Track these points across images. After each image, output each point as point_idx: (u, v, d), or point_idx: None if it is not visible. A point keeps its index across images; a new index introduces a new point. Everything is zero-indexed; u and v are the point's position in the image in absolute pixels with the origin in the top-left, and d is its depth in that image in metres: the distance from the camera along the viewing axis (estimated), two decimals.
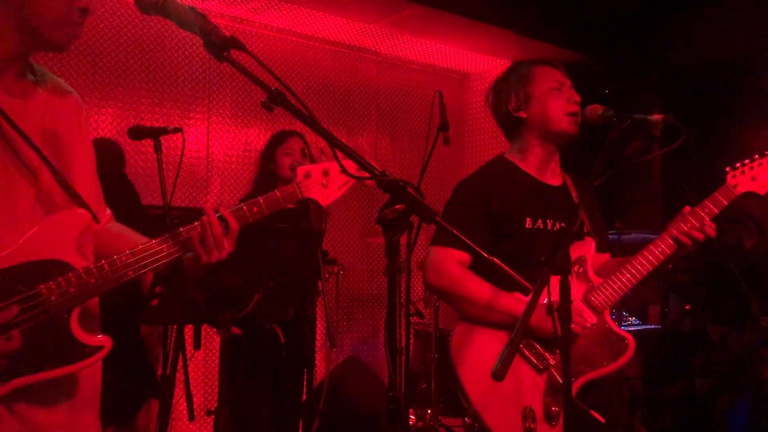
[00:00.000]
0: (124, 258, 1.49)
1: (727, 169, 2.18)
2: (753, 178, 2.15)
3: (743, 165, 2.17)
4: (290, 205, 1.77)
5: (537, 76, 2.30)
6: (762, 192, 2.17)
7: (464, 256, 2.14)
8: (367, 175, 1.39)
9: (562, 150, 2.35)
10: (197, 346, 2.95)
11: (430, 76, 5.92)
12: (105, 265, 1.47)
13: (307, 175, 1.75)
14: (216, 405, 2.99)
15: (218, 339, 2.91)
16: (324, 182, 1.76)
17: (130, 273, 1.51)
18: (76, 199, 1.53)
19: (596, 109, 2.07)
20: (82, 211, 1.51)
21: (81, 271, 1.46)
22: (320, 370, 4.63)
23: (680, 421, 3.52)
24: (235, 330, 2.78)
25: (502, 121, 2.38)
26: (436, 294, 2.28)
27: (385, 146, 5.68)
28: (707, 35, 5.38)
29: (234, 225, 1.63)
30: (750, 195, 2.19)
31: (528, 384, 2.03)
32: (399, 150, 5.71)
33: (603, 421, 1.93)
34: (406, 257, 3.96)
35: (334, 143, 1.40)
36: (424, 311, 4.63)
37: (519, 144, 2.34)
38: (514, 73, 2.36)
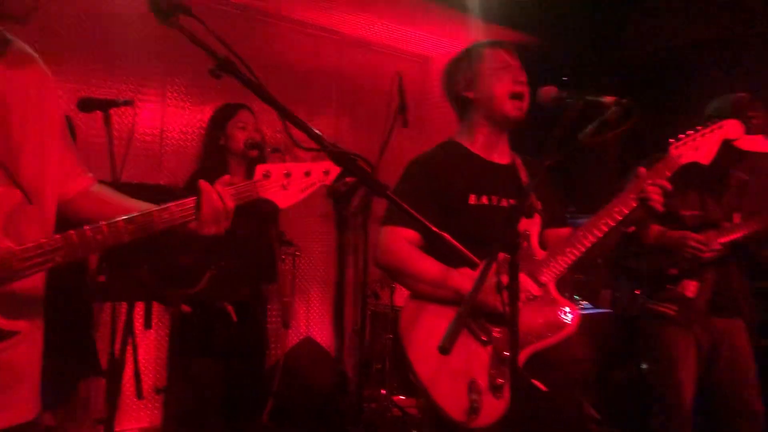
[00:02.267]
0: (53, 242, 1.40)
1: (671, 140, 2.21)
2: (696, 149, 2.19)
3: (687, 136, 2.20)
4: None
5: (485, 56, 2.33)
6: (705, 162, 2.20)
7: (413, 235, 2.17)
8: (317, 147, 1.37)
9: (512, 132, 2.37)
10: (148, 325, 2.91)
11: (392, 58, 5.88)
12: (45, 245, 1.39)
13: (266, 175, 1.68)
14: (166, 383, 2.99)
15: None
16: (284, 183, 1.69)
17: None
18: (12, 178, 1.44)
19: (550, 91, 2.08)
20: (12, 191, 1.42)
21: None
22: (276, 352, 4.60)
23: (629, 403, 3.60)
24: (185, 308, 2.74)
25: (453, 101, 2.42)
26: (387, 272, 2.30)
27: (345, 127, 5.64)
28: (665, 23, 5.46)
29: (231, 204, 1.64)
30: (694, 165, 2.21)
31: (473, 357, 2.05)
32: (360, 131, 5.67)
33: (545, 389, 1.97)
34: (364, 238, 3.97)
35: (284, 115, 1.38)
36: (380, 292, 4.64)
37: (467, 124, 2.37)
38: (464, 54, 2.40)
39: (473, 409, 1.97)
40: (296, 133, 1.47)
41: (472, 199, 2.22)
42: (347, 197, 1.37)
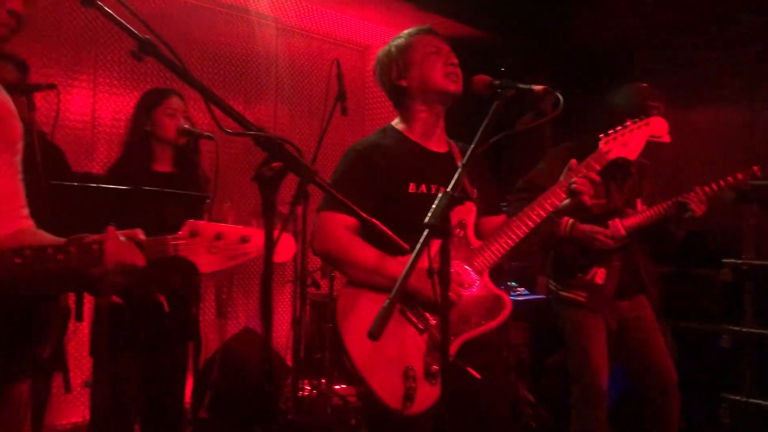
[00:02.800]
0: None
1: (601, 135, 2.29)
2: (624, 144, 2.27)
3: (615, 132, 2.28)
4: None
5: (415, 44, 2.34)
6: (632, 157, 2.31)
7: (351, 221, 2.14)
8: (243, 131, 1.35)
9: (448, 115, 2.39)
10: (79, 317, 2.82)
11: (331, 46, 5.85)
12: None
13: (194, 233, 1.50)
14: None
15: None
16: (212, 247, 1.51)
17: None
18: None
19: (483, 79, 2.09)
20: None
21: None
22: (215, 343, 4.54)
23: (563, 386, 3.70)
24: (116, 299, 2.66)
25: (388, 92, 2.42)
26: (324, 259, 2.28)
27: (284, 116, 5.58)
28: (603, 15, 5.58)
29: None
30: (621, 159, 2.31)
31: (410, 345, 2.07)
32: (299, 120, 5.63)
33: (479, 377, 1.99)
34: (302, 227, 3.94)
35: (209, 97, 1.35)
36: (321, 282, 4.63)
37: (405, 112, 2.38)
38: (394, 44, 2.40)
39: (408, 396, 1.99)
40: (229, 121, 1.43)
41: (412, 188, 2.23)
42: (274, 183, 1.34)
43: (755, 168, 3.16)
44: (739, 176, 3.14)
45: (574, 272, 3.30)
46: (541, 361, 4.77)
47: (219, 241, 1.51)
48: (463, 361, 2.04)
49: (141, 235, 1.50)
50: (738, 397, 3.74)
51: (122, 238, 1.46)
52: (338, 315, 2.13)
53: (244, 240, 1.53)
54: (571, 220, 3.19)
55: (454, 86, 2.28)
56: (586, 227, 3.17)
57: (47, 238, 1.60)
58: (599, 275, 3.23)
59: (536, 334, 4.88)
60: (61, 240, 1.50)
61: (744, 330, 3.74)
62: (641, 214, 3.23)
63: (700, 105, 5.28)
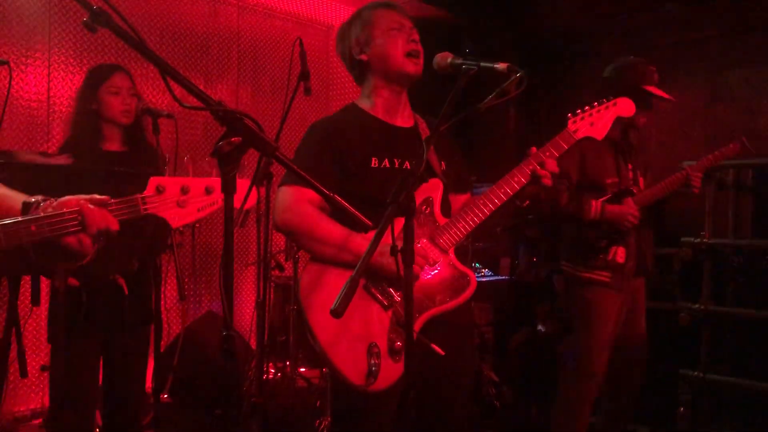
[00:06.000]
0: None
1: (569, 114, 2.29)
2: (591, 124, 2.27)
3: (583, 111, 2.28)
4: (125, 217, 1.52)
5: (377, 18, 2.30)
6: (599, 137, 2.29)
7: (315, 196, 2.08)
8: (201, 105, 1.31)
9: (410, 91, 2.37)
10: (35, 302, 2.75)
11: (294, 25, 5.77)
12: None
13: (160, 189, 1.53)
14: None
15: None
16: (180, 200, 1.55)
17: None
18: None
19: (446, 57, 2.08)
20: None
21: None
22: (177, 326, 4.48)
23: (526, 365, 3.75)
24: (72, 281, 2.60)
25: (348, 65, 2.38)
26: (286, 234, 2.23)
27: (246, 96, 5.51)
28: (558, 5, 5.62)
29: None
30: (588, 139, 2.32)
31: (374, 321, 2.05)
32: (261, 100, 5.56)
33: (443, 353, 1.99)
34: (265, 208, 3.89)
35: (165, 70, 1.31)
36: (284, 264, 4.59)
37: (366, 88, 2.35)
38: (356, 17, 2.36)
39: (371, 373, 1.98)
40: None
41: (374, 163, 2.20)
42: (234, 158, 1.31)
43: (743, 138, 3.28)
44: (732, 146, 3.27)
45: (597, 253, 3.32)
46: (504, 342, 4.83)
47: (185, 194, 1.55)
48: (428, 337, 2.03)
49: (102, 199, 1.50)
50: (695, 373, 3.83)
51: (92, 206, 1.46)
52: (302, 292, 2.09)
53: (208, 191, 1.56)
54: (599, 203, 3.24)
55: (414, 67, 2.24)
56: (615, 208, 3.22)
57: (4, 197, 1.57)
58: (619, 254, 3.29)
59: (500, 314, 4.93)
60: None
61: (701, 308, 3.82)
62: (648, 191, 3.29)
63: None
